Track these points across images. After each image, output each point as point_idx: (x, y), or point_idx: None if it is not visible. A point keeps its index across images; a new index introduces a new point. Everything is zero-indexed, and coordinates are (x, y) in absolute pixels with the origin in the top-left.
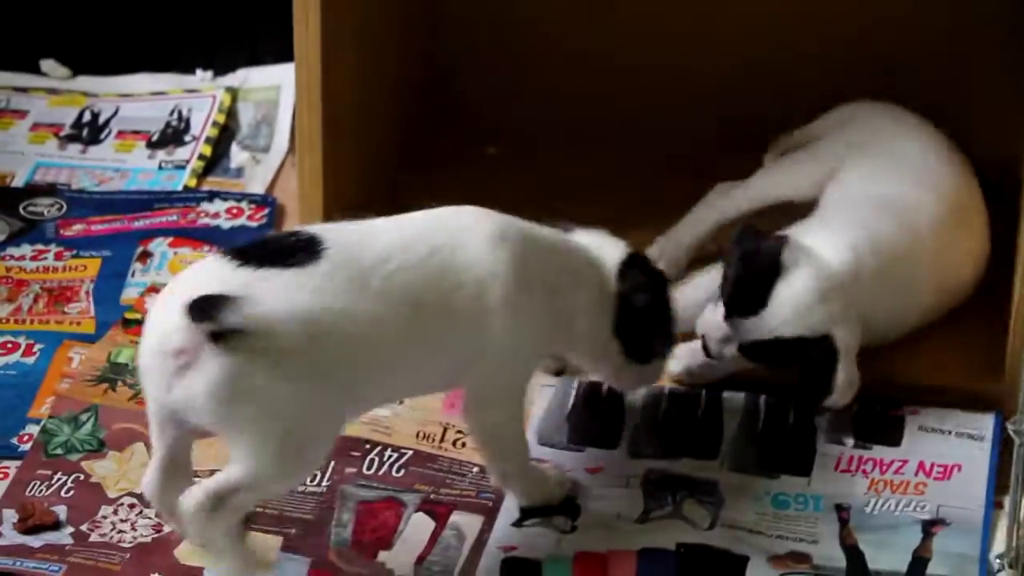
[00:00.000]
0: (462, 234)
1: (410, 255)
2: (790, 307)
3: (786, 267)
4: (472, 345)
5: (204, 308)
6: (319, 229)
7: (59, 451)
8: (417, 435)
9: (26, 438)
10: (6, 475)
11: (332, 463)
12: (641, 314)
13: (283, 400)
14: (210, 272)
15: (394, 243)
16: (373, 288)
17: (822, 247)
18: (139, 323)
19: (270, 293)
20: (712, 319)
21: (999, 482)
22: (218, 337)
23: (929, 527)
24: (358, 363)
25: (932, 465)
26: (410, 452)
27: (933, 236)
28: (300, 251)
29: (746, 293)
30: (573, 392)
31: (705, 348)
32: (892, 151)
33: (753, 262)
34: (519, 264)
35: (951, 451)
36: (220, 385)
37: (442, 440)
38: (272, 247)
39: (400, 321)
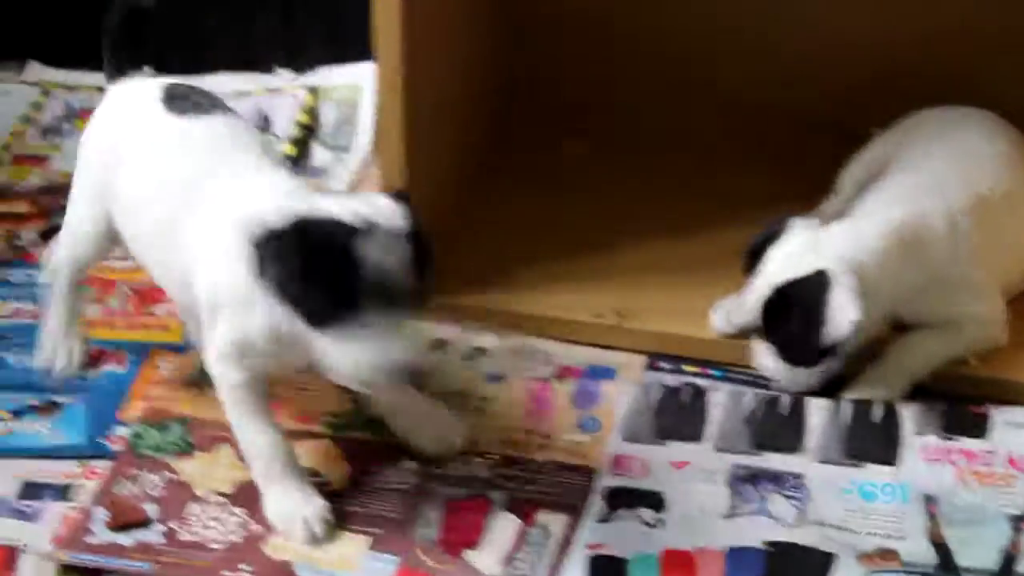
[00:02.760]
0: None
1: None
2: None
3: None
4: None
5: None
6: None
7: (148, 451)
8: (502, 442)
9: (115, 439)
10: (96, 475)
11: (417, 465)
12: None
13: None
14: None
15: None
16: None
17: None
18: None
19: None
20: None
21: None
22: None
23: (1019, 522)
24: None
25: (1021, 458)
26: (496, 457)
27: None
28: None
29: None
30: (657, 388)
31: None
32: (952, 138)
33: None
34: None
35: None
36: None
37: (527, 446)
38: None
39: None
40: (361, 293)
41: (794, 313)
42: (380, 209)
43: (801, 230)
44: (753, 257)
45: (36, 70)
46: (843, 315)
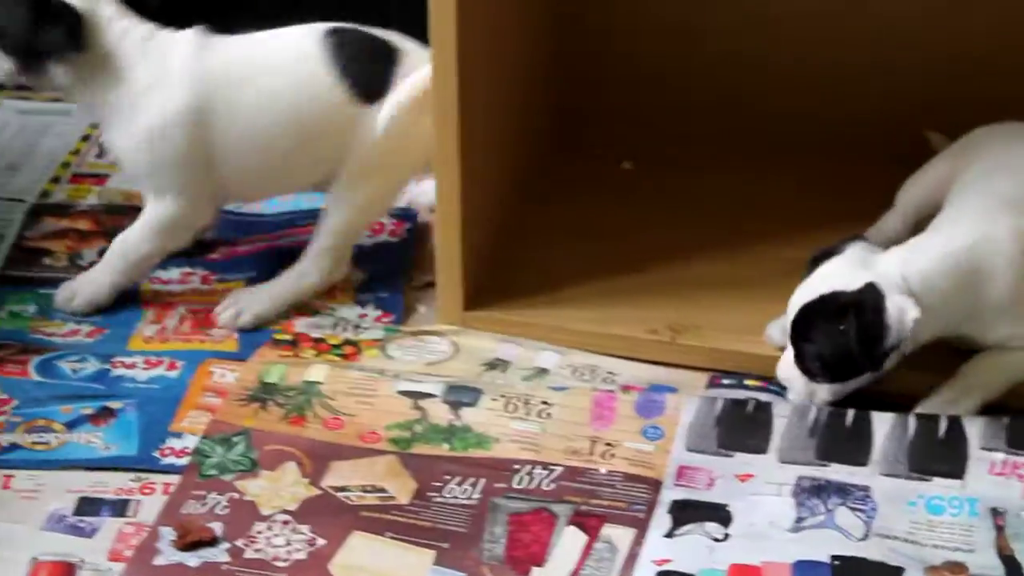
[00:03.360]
0: None
1: None
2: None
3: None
4: None
5: None
6: None
7: (213, 471)
8: (565, 450)
9: (167, 451)
10: (152, 490)
11: (482, 480)
12: None
13: None
14: None
15: None
16: None
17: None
18: (288, 343)
19: None
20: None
21: None
22: None
23: None
24: None
25: None
26: (560, 468)
27: None
28: None
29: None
30: (721, 399)
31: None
32: (1018, 155)
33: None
34: None
35: None
36: None
37: (591, 453)
38: None
39: None
40: None
41: (844, 324)
42: None
43: (860, 248)
44: (813, 269)
45: None
46: (904, 315)
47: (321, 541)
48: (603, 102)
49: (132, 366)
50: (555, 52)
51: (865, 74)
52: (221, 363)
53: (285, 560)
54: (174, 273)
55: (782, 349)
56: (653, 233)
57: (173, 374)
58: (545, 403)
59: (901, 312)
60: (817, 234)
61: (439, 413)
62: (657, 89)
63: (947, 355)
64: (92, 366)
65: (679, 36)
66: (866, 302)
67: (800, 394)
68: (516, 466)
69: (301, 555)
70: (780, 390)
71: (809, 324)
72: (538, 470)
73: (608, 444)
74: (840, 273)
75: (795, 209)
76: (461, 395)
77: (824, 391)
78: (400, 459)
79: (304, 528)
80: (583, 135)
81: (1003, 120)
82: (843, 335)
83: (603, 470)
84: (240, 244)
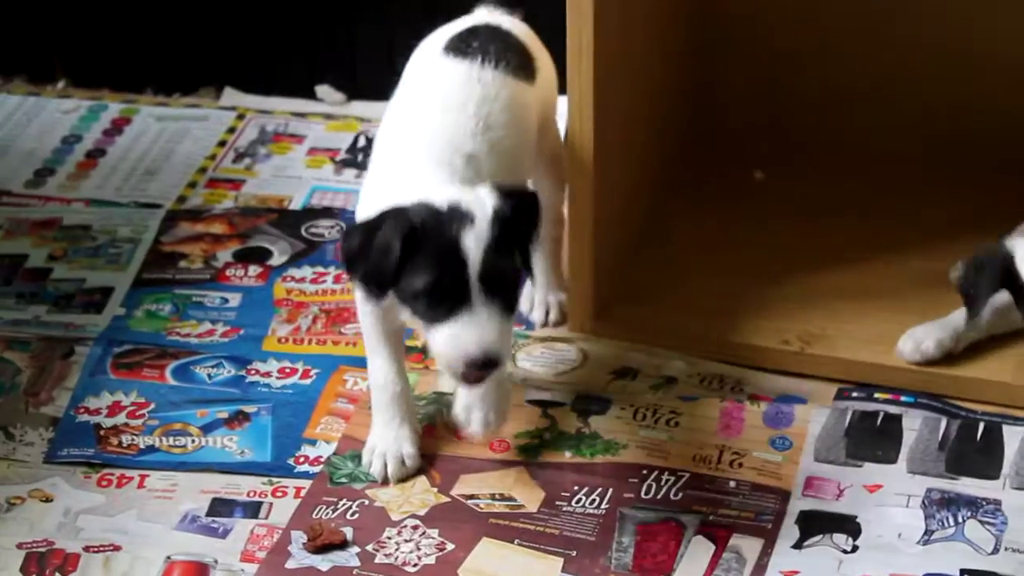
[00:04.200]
0: None
1: None
2: None
3: None
4: None
5: None
6: None
7: (343, 480)
8: (693, 458)
9: (302, 459)
10: (284, 493)
11: (610, 489)
12: None
13: None
14: None
15: None
16: None
17: None
18: (419, 350)
19: None
20: None
21: None
22: None
23: None
24: None
25: None
26: (687, 475)
27: None
28: None
29: None
30: (851, 410)
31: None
32: None
33: None
34: None
35: None
36: None
37: (719, 462)
38: None
39: None
40: (428, 279)
41: None
42: (478, 199)
43: None
44: (975, 275)
45: (233, 95)
46: None
47: (450, 546)
48: (736, 111)
49: (267, 374)
50: (689, 66)
51: (1011, 73)
52: (354, 370)
53: (415, 565)
54: (307, 272)
55: (914, 363)
56: (783, 242)
57: (306, 381)
58: (674, 412)
59: None
60: (949, 244)
61: (568, 421)
62: (790, 96)
63: None
64: (227, 372)
65: (805, 54)
66: None
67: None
68: (644, 471)
69: (430, 560)
70: (912, 400)
71: None
72: (665, 476)
73: (736, 453)
74: None
75: (929, 219)
76: (590, 403)
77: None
78: (528, 470)
79: (433, 533)
80: (715, 145)
81: None
82: None
83: (731, 483)
84: None
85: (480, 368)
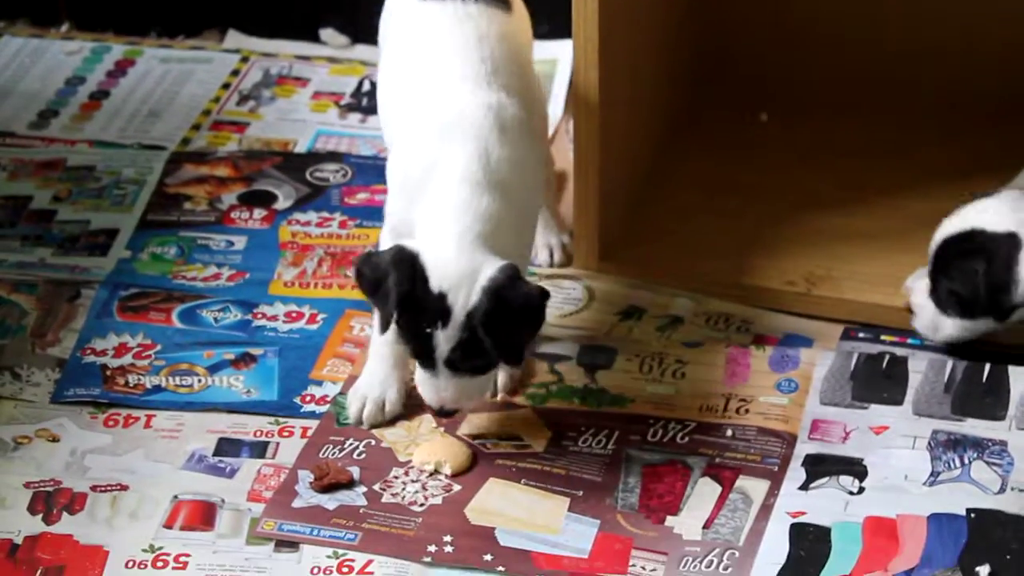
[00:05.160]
0: None
1: None
2: None
3: None
4: None
5: None
6: None
7: (350, 421)
8: (700, 408)
9: (308, 398)
10: (291, 433)
11: (616, 431)
12: None
13: None
14: None
15: None
16: None
17: None
18: None
19: None
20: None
21: None
22: None
23: None
24: None
25: None
26: (694, 423)
27: None
28: None
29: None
30: (856, 353)
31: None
32: None
33: None
34: None
35: None
36: None
37: (725, 410)
38: None
39: None
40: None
41: (977, 263)
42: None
43: (1006, 195)
44: None
45: (237, 38)
46: None
47: (457, 487)
48: (742, 54)
49: (274, 318)
50: (694, 8)
51: (1013, 18)
52: (361, 315)
53: (421, 505)
54: (312, 216)
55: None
56: (790, 184)
57: (313, 326)
58: (680, 361)
59: None
60: (956, 186)
61: (574, 377)
62: (795, 40)
63: None
64: (234, 316)
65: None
66: (999, 251)
67: (926, 325)
68: (651, 420)
69: (437, 500)
70: (918, 343)
71: (946, 257)
72: (672, 424)
73: (743, 400)
74: (989, 213)
75: (934, 161)
76: (596, 356)
77: (950, 326)
78: (535, 412)
79: (440, 475)
80: (721, 87)
81: None
82: (974, 276)
83: (738, 429)
84: (379, 192)
85: (439, 415)
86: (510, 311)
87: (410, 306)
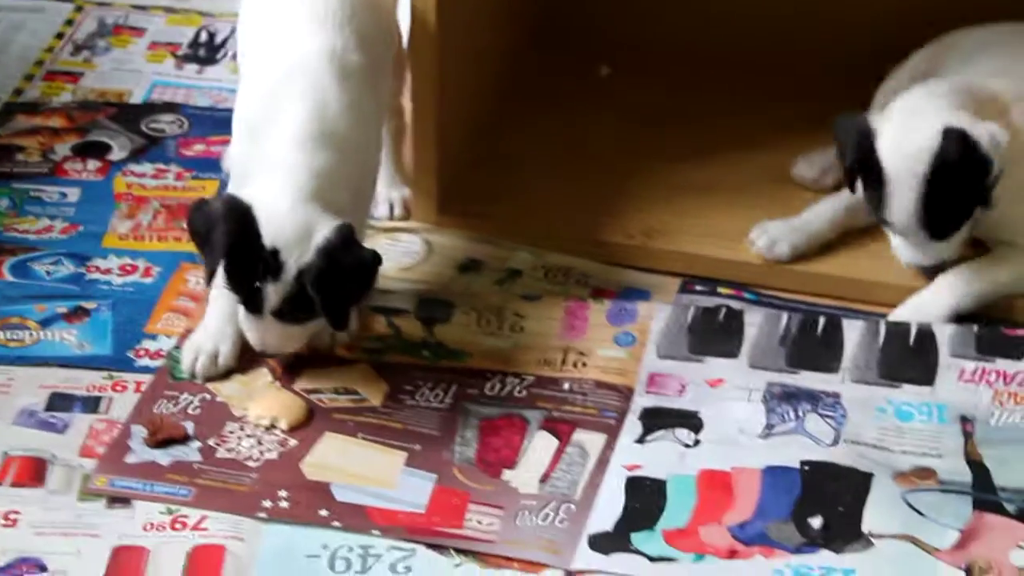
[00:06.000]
0: None
1: None
2: None
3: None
4: None
5: None
6: None
7: (185, 376)
8: (538, 362)
9: (142, 352)
10: (124, 388)
11: (454, 385)
12: None
13: None
14: None
15: None
16: None
17: None
18: None
19: None
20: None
21: None
22: None
23: None
24: None
25: None
26: (531, 377)
27: None
28: None
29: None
30: (693, 307)
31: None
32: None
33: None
34: None
35: None
36: None
37: (563, 364)
38: None
39: None
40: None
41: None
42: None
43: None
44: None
45: None
46: (993, 138)
47: (292, 442)
48: (583, 7)
49: (107, 271)
50: None
51: None
52: (196, 268)
53: (257, 460)
54: (147, 168)
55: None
56: (629, 139)
57: (148, 280)
58: (517, 315)
59: (992, 137)
60: (792, 140)
61: (412, 331)
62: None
63: None
64: (67, 269)
65: None
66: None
67: (916, 254)
68: (488, 373)
69: (272, 455)
70: (754, 298)
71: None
72: (510, 379)
73: (580, 353)
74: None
75: (770, 115)
76: (434, 310)
77: (947, 248)
78: (373, 367)
79: (277, 431)
80: (560, 41)
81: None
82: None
83: (575, 383)
84: (215, 143)
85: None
86: (342, 272)
87: (240, 258)
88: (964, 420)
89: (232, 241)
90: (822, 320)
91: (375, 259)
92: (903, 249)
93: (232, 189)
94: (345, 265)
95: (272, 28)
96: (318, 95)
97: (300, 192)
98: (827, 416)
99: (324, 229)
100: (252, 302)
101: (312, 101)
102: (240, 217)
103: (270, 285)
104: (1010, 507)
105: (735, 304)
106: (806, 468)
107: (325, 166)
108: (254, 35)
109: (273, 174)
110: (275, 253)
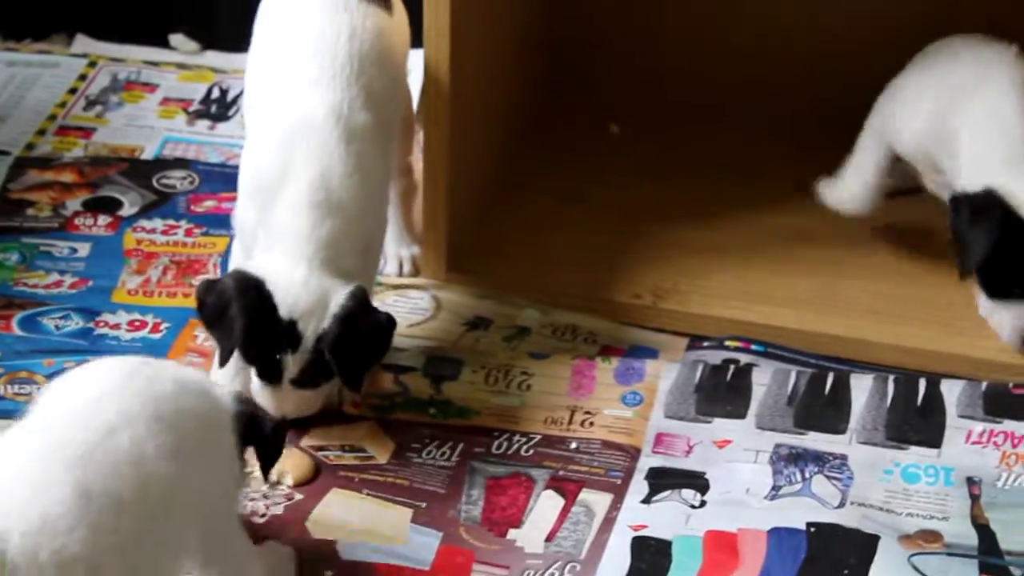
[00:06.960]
0: None
1: None
2: None
3: None
4: None
5: None
6: None
7: None
8: (545, 420)
9: None
10: None
11: (461, 443)
12: None
13: None
14: None
15: None
16: None
17: None
18: None
19: None
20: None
21: None
22: None
23: None
24: None
25: None
26: (538, 436)
27: None
28: None
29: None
30: (701, 364)
31: None
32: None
33: None
34: None
35: None
36: None
37: (570, 423)
38: None
39: None
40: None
41: None
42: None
43: None
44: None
45: (84, 43)
46: None
47: (299, 496)
48: (593, 65)
49: (116, 326)
50: (547, 13)
51: (840, 40)
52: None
53: (262, 515)
54: (157, 223)
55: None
56: (639, 198)
57: (156, 336)
58: (525, 373)
59: None
60: (806, 201)
61: (420, 388)
62: (646, 52)
63: None
64: (76, 324)
65: (663, 4)
66: None
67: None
68: (495, 432)
69: (279, 510)
70: (762, 349)
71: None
72: (517, 437)
73: (588, 412)
74: None
75: (785, 176)
76: (442, 368)
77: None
78: (379, 424)
79: (282, 487)
80: (570, 98)
81: None
82: None
83: (583, 442)
84: (225, 199)
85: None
86: (359, 336)
87: (258, 333)
88: (971, 482)
89: (250, 318)
90: (830, 378)
91: (390, 322)
92: None
93: (237, 251)
94: (362, 329)
95: (279, 83)
96: (324, 160)
97: (311, 261)
98: (834, 478)
99: (339, 296)
100: (269, 373)
101: (318, 167)
102: (255, 293)
103: (289, 355)
104: (1016, 571)
105: (743, 357)
106: (812, 530)
107: (333, 233)
108: (261, 89)
109: (281, 243)
110: (292, 324)
